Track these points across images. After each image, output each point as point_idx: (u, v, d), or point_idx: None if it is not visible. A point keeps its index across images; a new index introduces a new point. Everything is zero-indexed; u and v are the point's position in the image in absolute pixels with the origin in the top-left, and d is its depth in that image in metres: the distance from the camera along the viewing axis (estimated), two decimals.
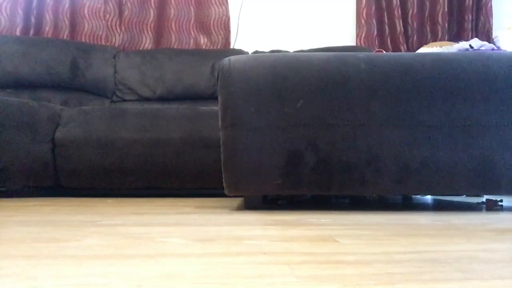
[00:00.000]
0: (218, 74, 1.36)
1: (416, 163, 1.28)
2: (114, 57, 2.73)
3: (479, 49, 1.59)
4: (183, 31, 2.96)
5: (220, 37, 2.98)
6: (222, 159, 1.33)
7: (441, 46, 1.76)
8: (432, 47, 1.84)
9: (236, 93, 1.30)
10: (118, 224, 0.96)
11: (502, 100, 1.30)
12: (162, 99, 2.66)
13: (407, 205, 1.59)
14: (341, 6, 3.13)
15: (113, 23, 2.89)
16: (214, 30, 2.98)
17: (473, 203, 1.67)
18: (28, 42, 2.61)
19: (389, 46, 3.01)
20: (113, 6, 2.89)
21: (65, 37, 2.81)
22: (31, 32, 2.78)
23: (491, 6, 3.07)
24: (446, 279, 0.48)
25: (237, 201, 1.62)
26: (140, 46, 2.91)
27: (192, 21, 2.97)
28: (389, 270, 0.53)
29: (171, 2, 2.96)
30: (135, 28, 2.91)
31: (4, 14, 2.75)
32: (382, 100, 1.28)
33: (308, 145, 1.28)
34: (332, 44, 3.10)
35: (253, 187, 1.30)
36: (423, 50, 2.61)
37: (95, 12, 2.88)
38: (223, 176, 1.34)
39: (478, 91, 1.31)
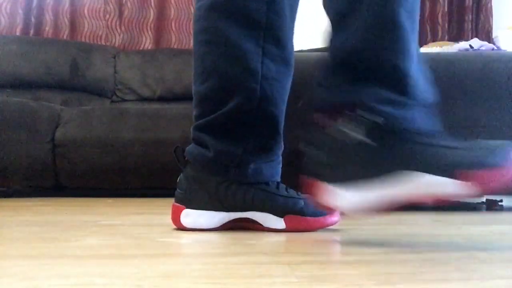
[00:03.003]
0: None
1: None
2: (114, 57, 2.73)
3: (479, 49, 1.59)
4: (183, 31, 2.96)
5: None
6: None
7: (441, 46, 1.76)
8: (432, 47, 1.84)
9: None
10: (118, 224, 0.96)
11: (501, 101, 1.30)
12: (162, 99, 2.65)
13: (407, 205, 1.58)
14: None
15: (113, 23, 2.89)
16: None
17: (473, 203, 1.67)
18: (28, 42, 2.60)
19: None
20: (113, 6, 2.88)
21: (65, 37, 2.81)
22: (31, 32, 2.78)
23: (491, 6, 3.07)
24: (446, 279, 0.48)
25: None
26: (140, 46, 2.91)
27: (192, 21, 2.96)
28: (389, 270, 0.53)
29: (171, 2, 2.95)
30: (135, 28, 2.91)
31: (4, 14, 2.74)
32: None
33: (308, 145, 1.28)
34: None
35: None
36: (423, 50, 2.60)
37: (95, 12, 2.88)
38: None
39: (477, 92, 1.30)
